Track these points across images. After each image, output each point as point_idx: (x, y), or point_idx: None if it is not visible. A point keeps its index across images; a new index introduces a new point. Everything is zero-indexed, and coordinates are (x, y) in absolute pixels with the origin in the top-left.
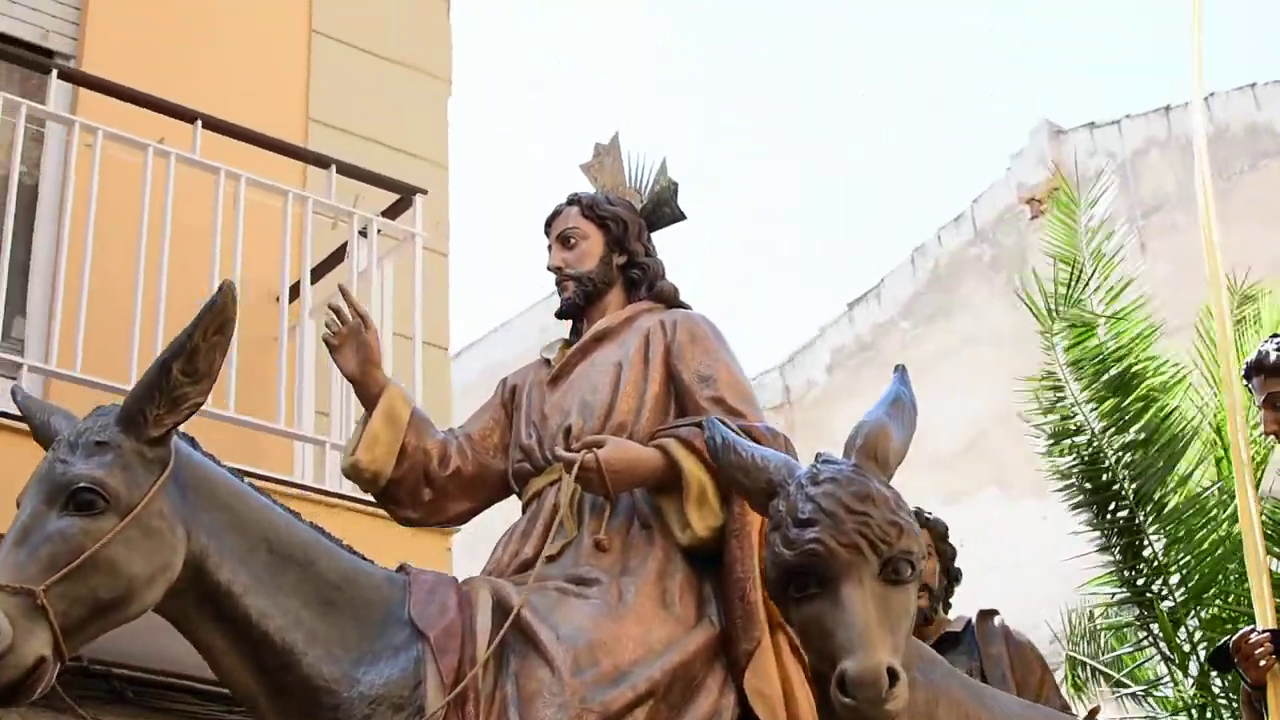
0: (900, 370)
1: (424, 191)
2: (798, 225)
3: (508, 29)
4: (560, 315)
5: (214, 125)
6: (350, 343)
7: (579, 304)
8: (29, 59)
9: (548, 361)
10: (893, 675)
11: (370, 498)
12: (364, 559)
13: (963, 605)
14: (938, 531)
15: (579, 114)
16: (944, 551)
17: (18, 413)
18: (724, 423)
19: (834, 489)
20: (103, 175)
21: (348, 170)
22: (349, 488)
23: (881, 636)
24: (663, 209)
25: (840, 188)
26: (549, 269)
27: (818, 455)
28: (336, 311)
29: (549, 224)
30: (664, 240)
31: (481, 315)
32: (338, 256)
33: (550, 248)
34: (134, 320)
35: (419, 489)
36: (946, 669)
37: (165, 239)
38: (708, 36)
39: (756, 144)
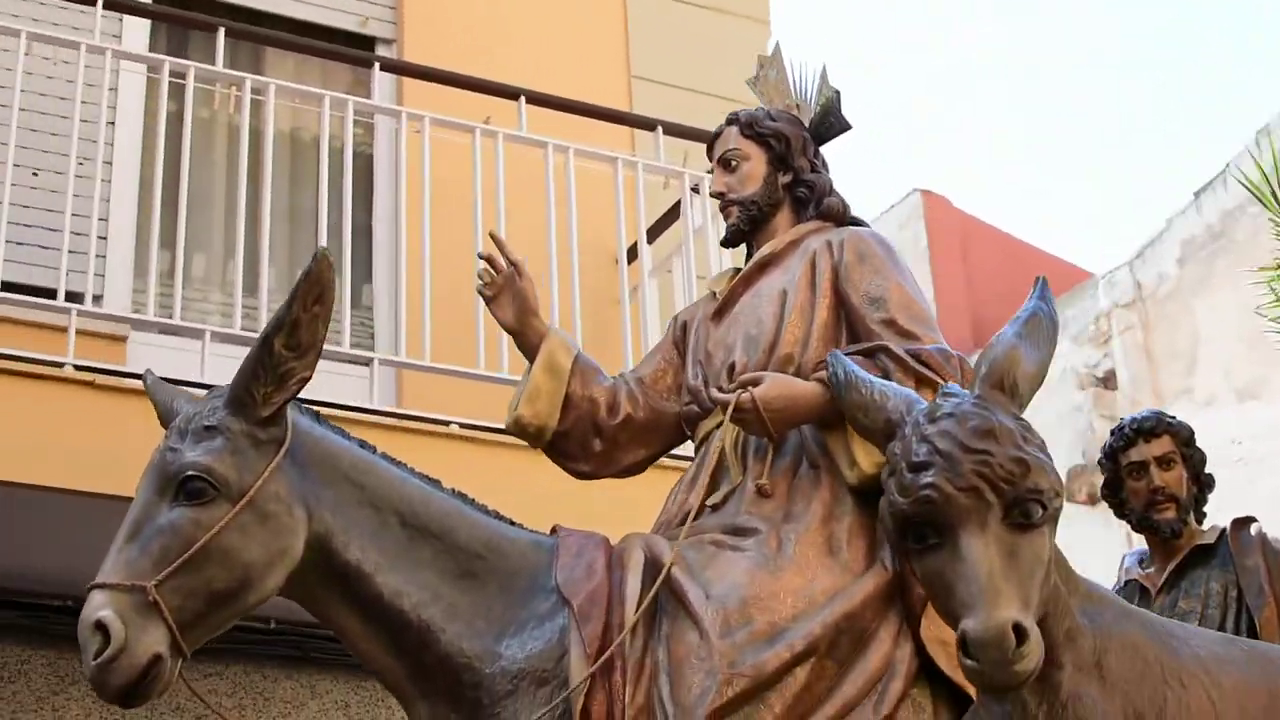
0: (1040, 282)
1: None
2: (1142, 115)
3: None
4: (725, 243)
5: (537, 100)
6: (506, 293)
7: (744, 229)
8: (352, 55)
9: (715, 295)
10: (1020, 633)
11: None
12: (513, 524)
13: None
14: (1183, 436)
15: (896, 40)
16: (1190, 456)
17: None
18: (891, 349)
19: (951, 426)
20: (433, 158)
21: (674, 130)
22: None
23: (1007, 590)
24: (828, 119)
25: (1178, 73)
26: (711, 195)
27: (941, 388)
28: (489, 260)
29: (710, 148)
30: (1019, 146)
31: None
32: (673, 214)
33: (712, 172)
34: (477, 302)
35: (588, 440)
36: (1120, 610)
37: (500, 216)
38: None
39: (1091, 39)
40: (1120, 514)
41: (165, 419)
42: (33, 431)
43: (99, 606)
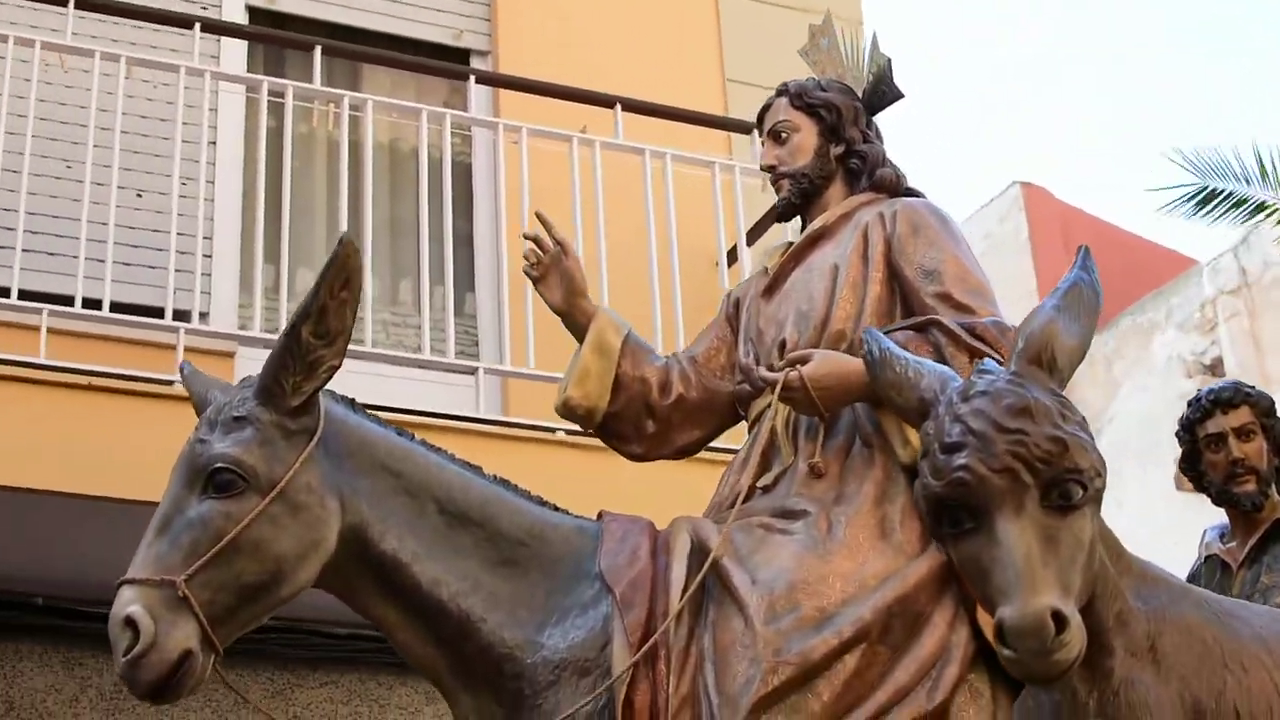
0: (1082, 251)
1: None
2: (1240, 97)
3: None
4: (777, 218)
5: (634, 107)
6: (553, 273)
7: (795, 203)
8: (449, 69)
9: (767, 270)
10: (1060, 620)
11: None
12: (558, 510)
13: None
14: (1262, 406)
15: (988, 32)
16: (1270, 427)
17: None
18: (943, 322)
19: (985, 405)
20: (531, 167)
21: None
22: None
23: (1046, 575)
24: (880, 88)
25: (1271, 55)
26: (761, 169)
27: (977, 365)
28: (535, 240)
29: (760, 120)
30: (1117, 133)
31: None
32: (772, 215)
33: (763, 145)
34: None
35: (641, 421)
36: (1178, 591)
37: (599, 223)
38: None
39: (1189, 18)
40: (1199, 487)
41: (200, 410)
42: (146, 449)
43: (128, 602)
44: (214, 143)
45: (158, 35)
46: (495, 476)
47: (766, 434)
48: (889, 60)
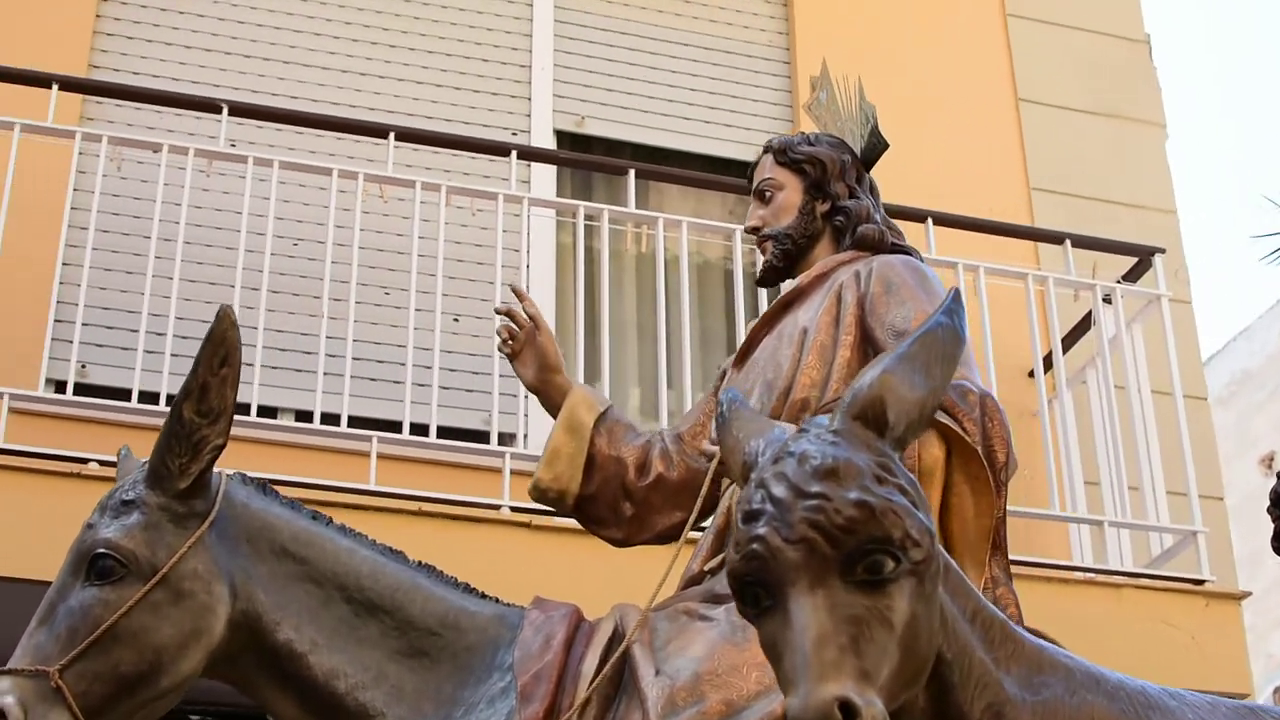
0: (951, 294)
1: (1162, 250)
2: None
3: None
4: (759, 282)
5: (944, 220)
6: (528, 350)
7: (778, 266)
8: (739, 185)
9: None
10: (849, 711)
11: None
12: (485, 598)
13: None
14: None
15: None
16: None
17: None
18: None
19: (790, 468)
20: None
21: (1082, 242)
22: (1136, 566)
23: (837, 661)
24: (872, 139)
25: None
26: (745, 230)
27: (803, 422)
28: (510, 315)
29: (749, 180)
30: None
31: (1225, 321)
32: (1084, 325)
33: (751, 206)
34: None
35: (618, 504)
36: (1084, 680)
37: None
38: None
39: None
40: None
41: None
42: (477, 573)
43: (3, 693)
44: (529, 266)
45: (466, 162)
46: (419, 563)
47: (722, 514)
48: (874, 109)
